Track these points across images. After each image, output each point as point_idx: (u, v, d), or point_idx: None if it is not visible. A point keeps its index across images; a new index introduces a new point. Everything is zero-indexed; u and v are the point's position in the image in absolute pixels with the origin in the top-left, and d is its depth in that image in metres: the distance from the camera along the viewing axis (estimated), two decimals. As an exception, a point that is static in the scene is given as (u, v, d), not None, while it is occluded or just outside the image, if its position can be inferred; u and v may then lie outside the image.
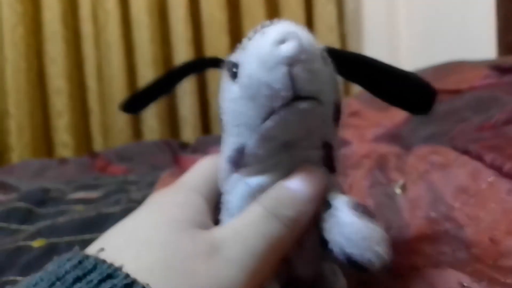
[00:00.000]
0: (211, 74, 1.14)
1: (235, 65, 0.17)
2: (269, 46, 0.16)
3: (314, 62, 0.16)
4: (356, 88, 1.10)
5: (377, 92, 0.19)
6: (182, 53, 1.14)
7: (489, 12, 0.91)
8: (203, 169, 0.21)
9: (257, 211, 0.17)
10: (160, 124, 1.16)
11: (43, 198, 0.45)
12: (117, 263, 0.14)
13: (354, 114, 0.54)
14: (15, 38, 1.10)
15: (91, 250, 0.15)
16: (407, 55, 1.17)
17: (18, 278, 0.28)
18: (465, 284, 0.20)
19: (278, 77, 0.15)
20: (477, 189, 0.28)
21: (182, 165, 0.68)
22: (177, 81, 0.21)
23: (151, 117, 1.15)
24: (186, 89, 1.14)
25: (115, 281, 0.13)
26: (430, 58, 0.80)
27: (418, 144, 0.39)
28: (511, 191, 0.26)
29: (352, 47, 1.20)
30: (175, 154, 0.79)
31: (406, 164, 0.35)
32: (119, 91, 1.15)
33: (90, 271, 0.13)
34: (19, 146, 1.11)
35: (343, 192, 0.19)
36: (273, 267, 0.17)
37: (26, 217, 0.40)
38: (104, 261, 0.14)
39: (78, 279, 0.13)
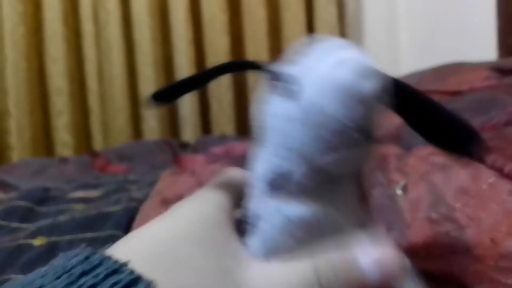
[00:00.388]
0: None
1: (293, 80, 0.16)
2: (348, 78, 0.14)
3: (383, 102, 0.15)
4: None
5: (418, 127, 0.18)
6: (183, 53, 1.14)
7: (489, 13, 0.91)
8: (224, 182, 0.20)
9: (307, 275, 0.15)
10: (161, 124, 1.16)
11: (43, 197, 0.45)
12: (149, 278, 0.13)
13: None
14: (15, 38, 1.10)
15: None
16: (407, 56, 1.17)
17: (19, 276, 0.28)
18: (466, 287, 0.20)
19: (351, 115, 0.14)
20: (478, 190, 0.28)
21: (182, 165, 0.68)
22: (212, 78, 0.20)
23: (152, 117, 1.15)
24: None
25: (120, 276, 0.13)
26: (431, 59, 0.81)
27: (419, 144, 0.39)
28: (512, 192, 0.26)
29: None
30: (175, 153, 0.79)
31: (407, 165, 0.35)
32: (119, 91, 1.15)
33: (96, 266, 0.13)
34: (19, 145, 1.11)
35: (375, 229, 0.18)
36: None
37: (27, 215, 0.40)
38: (110, 257, 0.14)
39: (84, 273, 0.13)
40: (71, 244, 0.31)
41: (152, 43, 1.14)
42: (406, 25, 1.19)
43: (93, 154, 0.85)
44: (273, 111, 0.16)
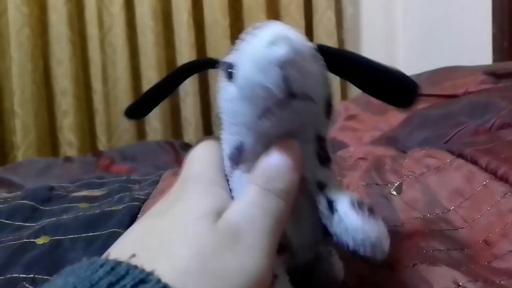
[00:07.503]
0: (213, 76, 1.15)
1: (231, 66, 0.18)
2: (262, 48, 0.16)
3: (305, 62, 0.17)
4: (354, 92, 1.11)
5: (363, 86, 0.20)
6: (185, 56, 1.15)
7: (485, 19, 0.92)
8: (208, 157, 0.21)
9: (254, 190, 0.17)
10: (163, 125, 1.17)
11: (47, 196, 0.45)
12: (150, 265, 0.14)
13: (352, 117, 0.54)
14: (21, 39, 1.11)
15: (117, 251, 0.15)
16: (405, 60, 1.18)
17: (22, 275, 0.28)
18: (460, 283, 0.20)
19: (271, 78, 0.16)
20: (472, 192, 0.29)
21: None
22: (177, 84, 0.21)
23: (155, 118, 1.16)
24: (188, 91, 1.16)
25: (147, 286, 0.13)
26: (427, 63, 0.81)
27: (414, 147, 0.39)
28: (506, 194, 0.27)
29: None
30: (178, 154, 0.80)
31: (402, 167, 0.35)
32: (123, 93, 1.16)
33: (122, 277, 0.13)
34: (24, 144, 1.12)
35: (338, 183, 0.20)
36: (277, 243, 0.17)
37: (31, 214, 0.40)
38: (135, 267, 0.14)
39: (111, 285, 0.13)
40: (74, 243, 0.32)
41: (156, 46, 1.15)
42: (403, 30, 1.20)
43: (97, 154, 0.86)
44: (223, 96, 0.19)
